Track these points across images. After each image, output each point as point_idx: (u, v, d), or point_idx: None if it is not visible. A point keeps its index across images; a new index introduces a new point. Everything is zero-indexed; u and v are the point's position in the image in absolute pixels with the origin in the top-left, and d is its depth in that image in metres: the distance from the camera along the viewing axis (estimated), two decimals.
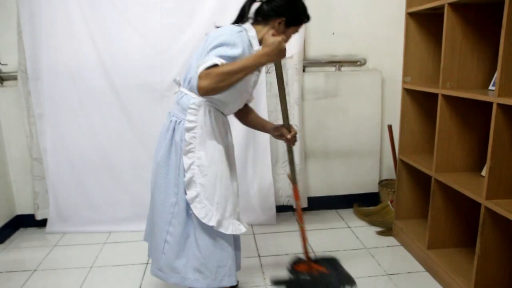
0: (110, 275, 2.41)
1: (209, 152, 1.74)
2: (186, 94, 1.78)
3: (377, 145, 3.19)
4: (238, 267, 2.03)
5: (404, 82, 2.55)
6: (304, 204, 3.11)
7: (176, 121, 1.79)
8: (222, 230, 1.75)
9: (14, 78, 2.85)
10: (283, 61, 2.92)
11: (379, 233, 2.82)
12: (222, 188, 1.76)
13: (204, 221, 1.72)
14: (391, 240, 2.73)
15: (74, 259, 2.57)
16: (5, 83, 2.92)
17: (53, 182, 2.92)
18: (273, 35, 1.63)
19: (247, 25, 1.77)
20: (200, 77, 1.55)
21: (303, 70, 3.01)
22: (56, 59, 2.76)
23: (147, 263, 2.49)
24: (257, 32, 1.76)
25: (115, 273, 2.42)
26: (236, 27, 1.72)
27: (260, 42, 1.75)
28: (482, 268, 1.88)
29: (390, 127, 2.96)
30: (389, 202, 2.90)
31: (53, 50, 2.75)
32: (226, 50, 1.59)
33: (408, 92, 2.56)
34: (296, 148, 3.00)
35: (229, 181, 1.80)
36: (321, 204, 3.23)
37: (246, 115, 2.08)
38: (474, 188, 1.97)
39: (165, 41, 2.80)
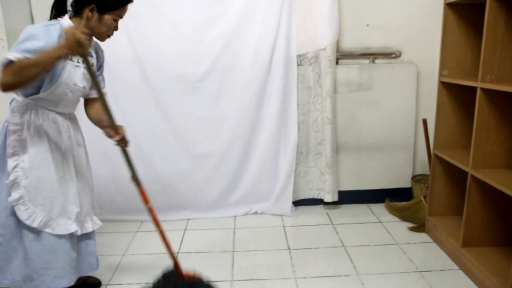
0: (142, 263, 2.46)
1: (32, 154, 1.74)
2: (14, 97, 1.79)
3: (411, 139, 3.12)
4: (90, 266, 2.05)
5: (441, 75, 2.48)
6: (335, 197, 3.08)
7: (7, 125, 1.78)
8: (48, 230, 1.76)
9: None
10: (315, 54, 2.92)
11: (411, 229, 2.77)
12: (47, 190, 1.76)
13: (27, 222, 1.73)
14: (423, 236, 2.68)
15: (107, 246, 2.63)
16: None
17: None
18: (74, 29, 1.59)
19: (64, 18, 1.74)
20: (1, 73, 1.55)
21: (336, 63, 2.97)
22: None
23: (177, 252, 2.53)
24: (75, 25, 1.71)
25: (147, 261, 2.47)
26: (46, 22, 1.71)
27: None
28: None
29: (425, 121, 2.89)
30: (422, 198, 2.84)
31: None
32: (23, 45, 1.57)
33: (444, 86, 2.49)
34: (327, 141, 2.98)
35: (55, 182, 1.78)
36: (352, 198, 3.20)
37: (86, 111, 2.06)
38: None
39: (198, 32, 2.82)
